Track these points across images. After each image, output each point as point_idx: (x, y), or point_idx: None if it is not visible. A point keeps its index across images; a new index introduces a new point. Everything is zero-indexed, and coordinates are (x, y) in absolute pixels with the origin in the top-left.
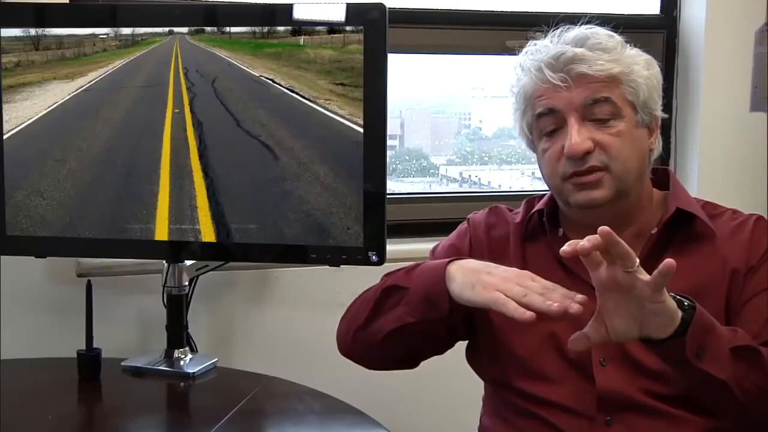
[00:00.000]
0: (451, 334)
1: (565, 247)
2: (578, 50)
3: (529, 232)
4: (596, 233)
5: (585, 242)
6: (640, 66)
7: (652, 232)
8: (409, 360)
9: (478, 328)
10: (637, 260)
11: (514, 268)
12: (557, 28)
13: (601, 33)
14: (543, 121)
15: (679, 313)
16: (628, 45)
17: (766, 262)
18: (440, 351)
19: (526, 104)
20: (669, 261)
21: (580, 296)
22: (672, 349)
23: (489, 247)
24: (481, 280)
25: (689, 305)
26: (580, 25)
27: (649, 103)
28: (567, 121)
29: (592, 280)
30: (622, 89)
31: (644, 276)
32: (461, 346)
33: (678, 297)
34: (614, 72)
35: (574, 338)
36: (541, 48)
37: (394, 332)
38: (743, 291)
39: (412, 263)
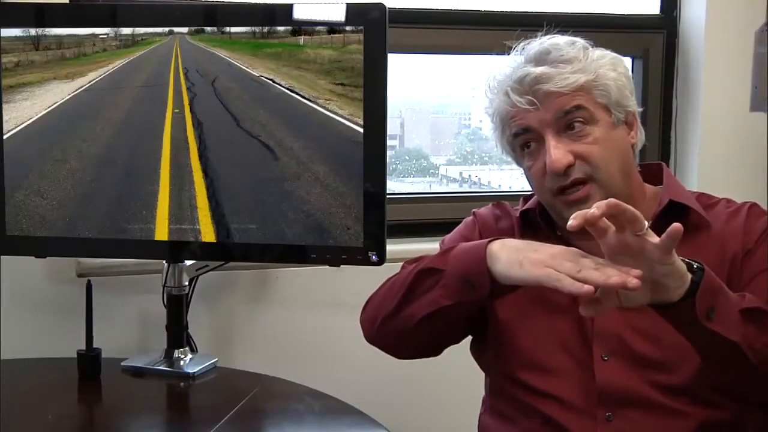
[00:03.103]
0: (469, 321)
1: (572, 222)
2: (540, 69)
3: (527, 226)
4: (590, 227)
5: (594, 210)
6: (606, 68)
7: (647, 226)
8: (434, 348)
9: (485, 321)
10: (646, 223)
11: (560, 245)
12: (520, 43)
13: (561, 43)
14: (521, 139)
15: (689, 275)
16: (591, 47)
17: (763, 244)
18: (459, 339)
19: (503, 125)
20: (676, 225)
21: (636, 271)
22: (683, 312)
23: (499, 237)
24: (529, 258)
25: (698, 267)
26: (542, 36)
27: (621, 102)
28: (544, 138)
29: (600, 247)
30: (593, 95)
31: (654, 238)
32: (459, 346)
33: (687, 260)
34: (581, 82)
35: (586, 304)
36: (506, 68)
37: (429, 317)
38: (742, 274)
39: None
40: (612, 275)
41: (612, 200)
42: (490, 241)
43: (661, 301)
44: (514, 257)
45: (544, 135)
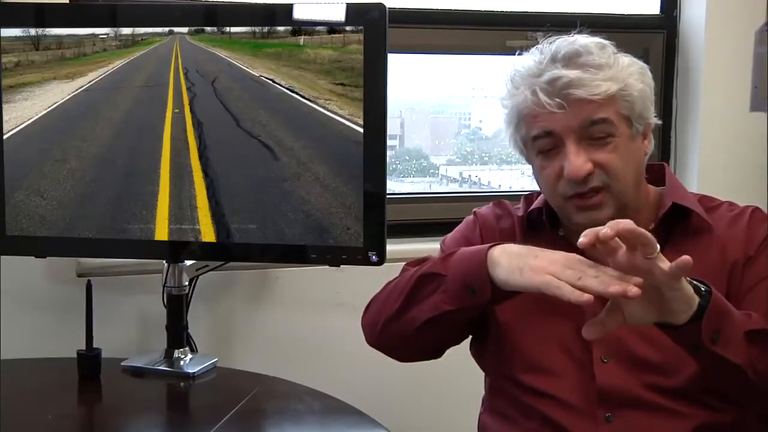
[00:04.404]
0: (470, 323)
1: (582, 239)
2: (573, 74)
3: (530, 226)
4: (601, 245)
5: (608, 230)
6: (635, 78)
7: (650, 228)
8: (436, 351)
9: (486, 323)
10: (658, 247)
11: (560, 251)
12: (545, 37)
13: (591, 46)
14: (540, 143)
15: (696, 299)
16: (617, 52)
17: (764, 251)
18: (460, 341)
19: (520, 120)
20: (686, 258)
21: (636, 279)
22: (688, 334)
23: (500, 237)
24: (529, 264)
25: (706, 290)
26: (574, 33)
27: (643, 114)
28: (565, 143)
29: (609, 265)
30: (618, 106)
31: (664, 263)
32: (459, 346)
33: (695, 282)
34: (612, 91)
35: (589, 326)
36: (533, 65)
37: (430, 321)
38: (743, 281)
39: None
40: (611, 284)
41: (628, 224)
42: (490, 247)
43: (667, 321)
44: (515, 263)
45: (566, 140)
